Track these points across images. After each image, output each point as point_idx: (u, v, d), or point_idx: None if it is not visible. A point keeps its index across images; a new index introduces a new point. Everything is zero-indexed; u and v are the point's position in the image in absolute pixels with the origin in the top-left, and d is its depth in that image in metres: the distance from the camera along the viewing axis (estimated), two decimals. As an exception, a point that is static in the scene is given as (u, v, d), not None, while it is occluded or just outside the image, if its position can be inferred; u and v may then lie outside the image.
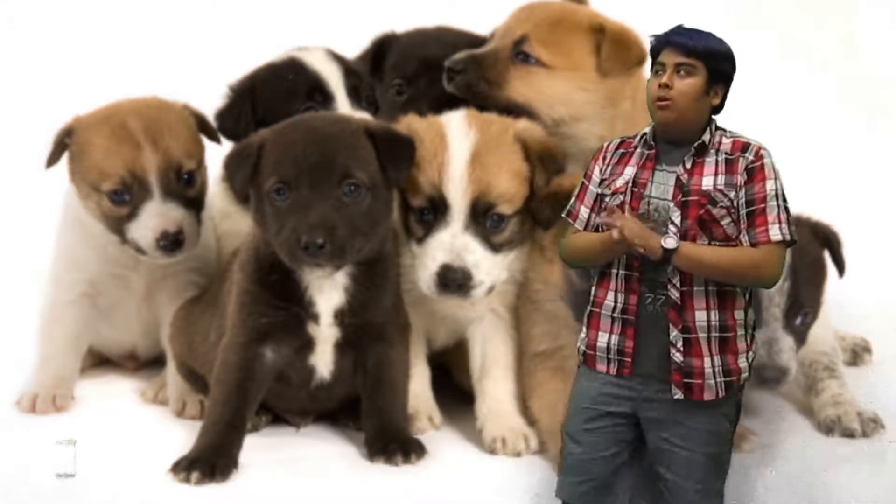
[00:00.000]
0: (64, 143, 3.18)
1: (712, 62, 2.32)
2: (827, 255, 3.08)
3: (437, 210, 2.95)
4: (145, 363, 3.60)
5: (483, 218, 2.95)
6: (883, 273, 4.27)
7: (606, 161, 2.43)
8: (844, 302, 3.38)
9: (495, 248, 2.96)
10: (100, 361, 3.65)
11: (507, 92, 3.25)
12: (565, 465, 2.45)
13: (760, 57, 4.67)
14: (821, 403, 3.07)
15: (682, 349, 2.32)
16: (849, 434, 2.96)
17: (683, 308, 2.31)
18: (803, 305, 2.97)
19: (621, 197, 2.36)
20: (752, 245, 2.29)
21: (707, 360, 2.32)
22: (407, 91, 3.44)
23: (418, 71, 3.42)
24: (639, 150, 2.39)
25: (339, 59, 3.34)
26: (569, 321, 2.95)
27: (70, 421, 3.13)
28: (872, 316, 3.82)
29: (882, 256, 4.37)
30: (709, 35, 2.36)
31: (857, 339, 3.63)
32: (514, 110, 3.20)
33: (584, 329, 2.44)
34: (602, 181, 2.42)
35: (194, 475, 2.68)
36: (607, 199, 2.39)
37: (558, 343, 3.00)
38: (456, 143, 2.96)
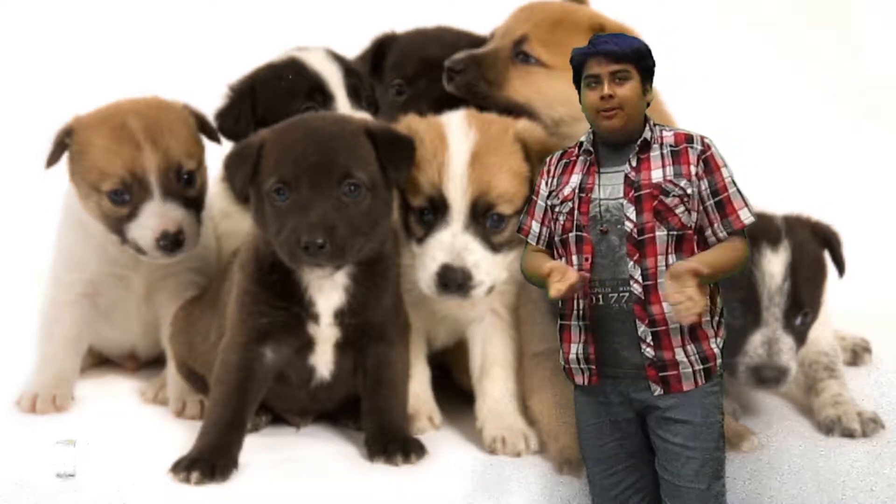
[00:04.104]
0: (64, 143, 3.18)
1: (642, 62, 2.37)
2: (827, 255, 3.08)
3: (437, 210, 2.95)
4: (145, 363, 3.60)
5: (483, 218, 2.95)
6: (883, 273, 4.27)
7: (551, 174, 2.49)
8: (844, 302, 3.37)
9: (495, 248, 2.96)
10: (100, 361, 3.65)
11: (507, 92, 3.25)
12: (593, 490, 2.49)
13: (759, 57, 4.68)
14: (821, 403, 3.06)
15: (651, 343, 2.34)
16: (849, 434, 2.95)
17: (648, 302, 2.33)
18: (803, 305, 2.97)
19: (570, 204, 2.40)
20: (731, 233, 2.35)
21: (679, 350, 2.34)
22: (407, 91, 3.44)
23: (418, 71, 3.43)
24: (581, 157, 2.44)
25: (339, 59, 3.34)
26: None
27: (70, 421, 3.13)
28: (872, 316, 3.81)
29: (882, 256, 4.37)
30: (627, 37, 2.40)
31: (857, 339, 3.63)
32: (514, 110, 3.20)
33: (560, 345, 2.46)
34: (550, 193, 2.47)
35: (194, 475, 2.68)
36: (557, 208, 2.43)
37: (558, 343, 3.00)
38: (456, 143, 2.96)
